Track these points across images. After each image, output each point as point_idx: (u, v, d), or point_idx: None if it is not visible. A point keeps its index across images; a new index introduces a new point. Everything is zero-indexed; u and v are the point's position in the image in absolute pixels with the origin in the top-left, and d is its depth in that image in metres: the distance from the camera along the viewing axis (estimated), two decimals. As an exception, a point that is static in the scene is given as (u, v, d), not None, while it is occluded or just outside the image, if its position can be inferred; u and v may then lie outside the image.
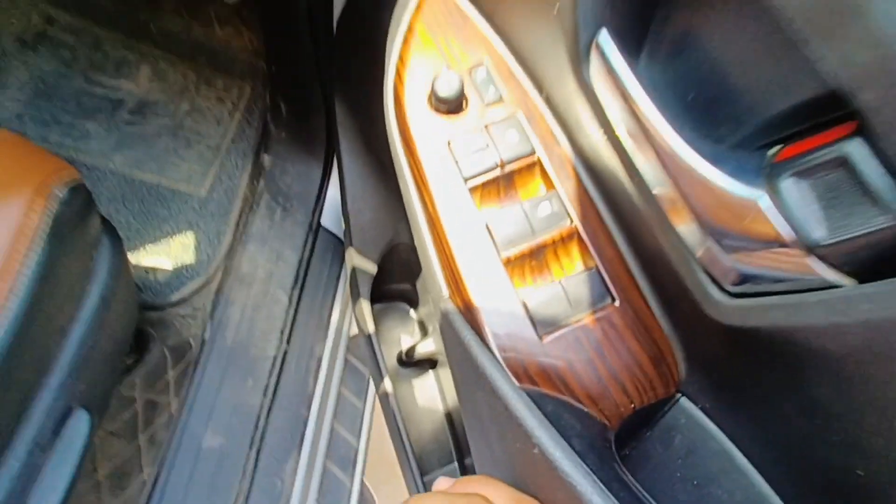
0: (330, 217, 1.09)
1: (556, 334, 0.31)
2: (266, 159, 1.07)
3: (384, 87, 0.41)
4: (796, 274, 0.20)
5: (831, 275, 0.18)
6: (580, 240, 0.32)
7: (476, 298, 0.31)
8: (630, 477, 0.27)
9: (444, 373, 0.87)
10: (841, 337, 0.18)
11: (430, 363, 0.90)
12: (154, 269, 0.91)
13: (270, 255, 0.99)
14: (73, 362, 0.53)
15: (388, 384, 0.79)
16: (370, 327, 0.81)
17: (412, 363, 0.88)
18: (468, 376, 0.31)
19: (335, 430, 1.04)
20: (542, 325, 0.31)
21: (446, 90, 0.32)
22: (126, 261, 0.62)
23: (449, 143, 0.36)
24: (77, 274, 0.53)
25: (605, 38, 0.25)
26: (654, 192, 0.25)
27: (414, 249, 0.77)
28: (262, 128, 1.08)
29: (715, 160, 0.21)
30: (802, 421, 0.22)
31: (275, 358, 0.93)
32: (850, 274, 0.18)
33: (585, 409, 0.29)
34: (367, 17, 0.56)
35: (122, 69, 1.04)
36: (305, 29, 0.83)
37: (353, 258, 0.80)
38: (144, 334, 0.85)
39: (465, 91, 0.38)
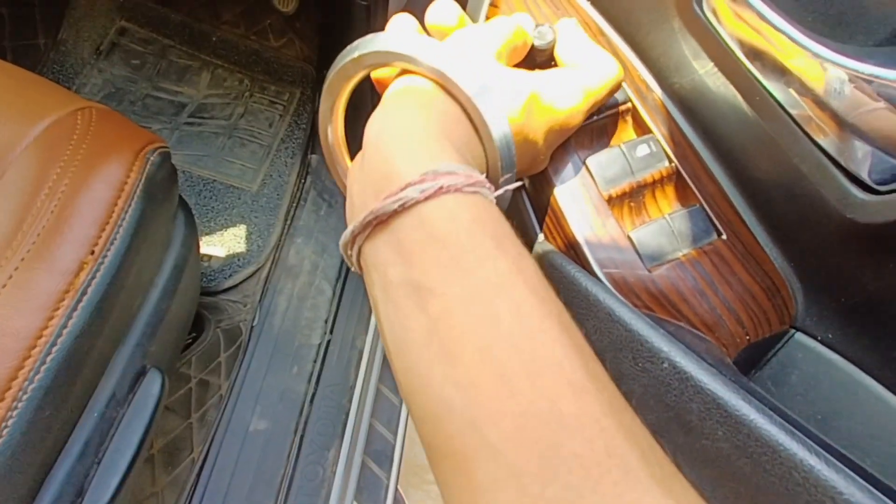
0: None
1: (665, 267, 0.30)
2: (313, 159, 1.12)
3: None
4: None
5: None
6: (680, 179, 0.33)
7: (579, 235, 0.31)
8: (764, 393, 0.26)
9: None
10: None
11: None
12: (209, 257, 0.95)
13: (316, 248, 1.03)
14: (149, 323, 0.56)
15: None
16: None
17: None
18: (576, 314, 0.31)
19: (373, 426, 1.04)
20: (649, 259, 0.31)
21: (540, 41, 0.34)
22: (197, 236, 0.66)
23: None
24: (159, 239, 0.56)
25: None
26: (791, 111, 0.25)
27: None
28: (310, 129, 1.14)
29: (863, 57, 0.22)
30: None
31: (319, 346, 0.95)
32: None
33: (704, 335, 0.29)
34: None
35: (184, 76, 1.11)
36: (362, 32, 0.88)
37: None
38: (201, 316, 0.88)
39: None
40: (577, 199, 0.33)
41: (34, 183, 0.44)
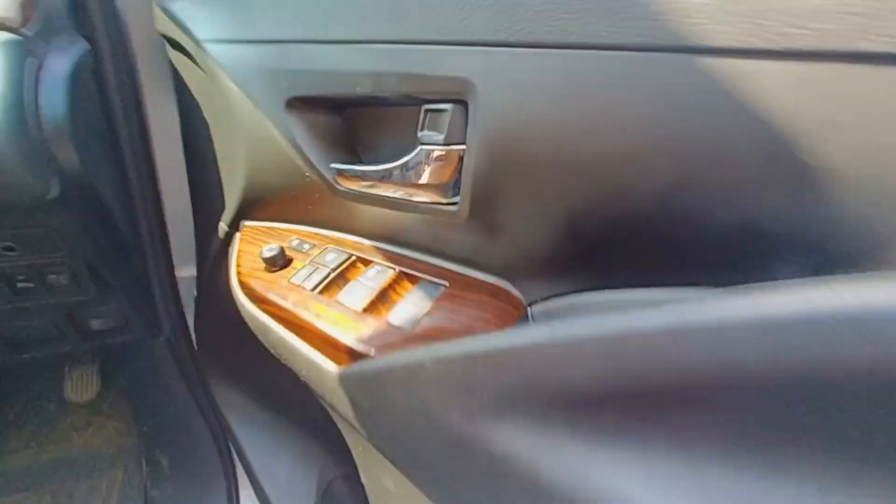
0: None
1: (423, 321, 0.37)
2: (156, 531, 0.90)
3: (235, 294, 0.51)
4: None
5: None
6: (404, 275, 0.44)
7: (359, 344, 0.37)
8: None
9: None
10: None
11: None
12: None
13: None
14: None
15: None
16: None
17: None
18: (411, 414, 0.34)
19: None
20: (412, 323, 0.38)
21: (268, 252, 0.46)
22: None
23: (291, 280, 0.47)
24: None
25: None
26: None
27: (348, 478, 0.69)
28: (143, 501, 0.95)
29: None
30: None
31: None
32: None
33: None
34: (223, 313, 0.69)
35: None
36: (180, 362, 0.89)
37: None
38: None
39: (288, 254, 0.51)
40: (341, 325, 0.39)
41: None
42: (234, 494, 0.94)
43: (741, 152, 0.25)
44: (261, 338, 0.54)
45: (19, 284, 0.63)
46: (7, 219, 0.55)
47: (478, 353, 0.28)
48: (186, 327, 0.89)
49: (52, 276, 0.63)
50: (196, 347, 0.89)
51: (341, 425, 0.63)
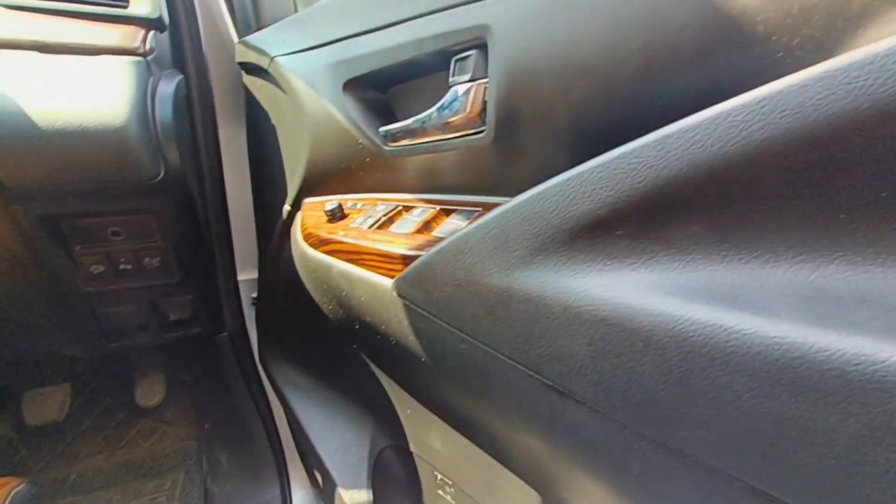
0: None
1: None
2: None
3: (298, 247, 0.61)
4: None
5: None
6: (444, 211, 0.52)
7: (410, 250, 0.44)
8: None
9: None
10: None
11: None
12: None
13: None
14: None
15: None
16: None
17: None
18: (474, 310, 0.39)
19: None
20: (452, 234, 0.45)
21: (330, 206, 0.55)
22: None
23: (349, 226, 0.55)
24: None
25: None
26: None
27: (398, 448, 0.73)
28: (203, 497, 1.00)
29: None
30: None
31: None
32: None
33: None
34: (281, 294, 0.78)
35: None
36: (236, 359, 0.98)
37: (343, 497, 0.70)
38: None
39: (346, 211, 0.60)
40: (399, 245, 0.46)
41: None
42: (286, 488, 0.98)
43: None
44: (321, 287, 0.62)
45: (121, 267, 0.75)
46: (121, 201, 0.68)
47: (509, 209, 0.35)
48: (245, 325, 0.99)
49: (147, 259, 0.74)
50: (255, 344, 0.98)
51: (391, 390, 0.69)
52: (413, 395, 0.64)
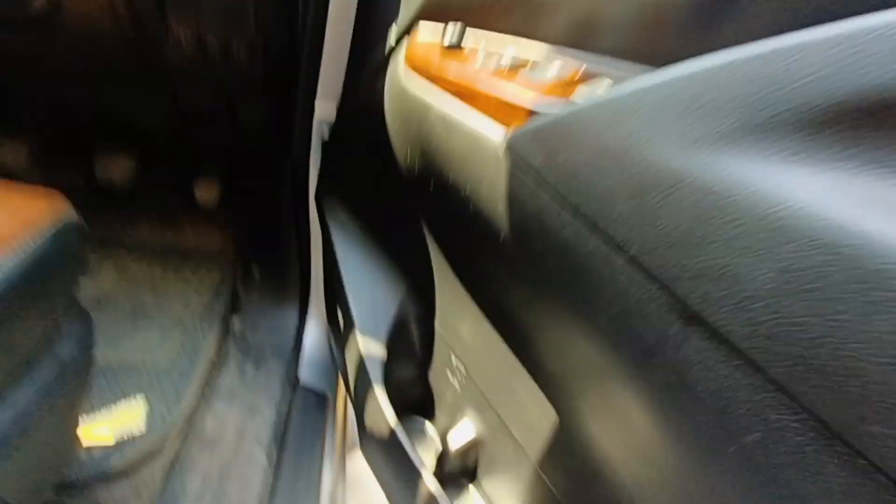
0: (308, 372, 0.98)
1: None
2: (235, 322, 1.01)
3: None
4: None
5: None
6: (588, 73, 0.41)
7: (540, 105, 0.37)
8: None
9: (488, 479, 0.67)
10: None
11: (469, 475, 0.69)
12: (89, 438, 0.69)
13: (242, 410, 0.82)
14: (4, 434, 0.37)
15: (435, 489, 0.58)
16: (391, 419, 0.65)
17: (453, 475, 0.67)
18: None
19: None
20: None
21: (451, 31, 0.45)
22: (92, 351, 0.51)
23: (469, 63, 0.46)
24: (33, 331, 0.42)
25: None
26: None
27: (424, 323, 0.72)
28: (231, 298, 1.06)
29: None
30: None
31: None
32: None
33: None
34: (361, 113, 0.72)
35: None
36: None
37: (359, 343, 0.71)
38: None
39: (469, 45, 0.51)
40: None
41: None
42: (304, 316, 1.02)
43: None
44: (408, 131, 0.56)
45: (209, 47, 0.70)
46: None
47: (708, 69, 0.26)
48: (309, 153, 0.96)
49: (234, 46, 0.70)
50: (315, 175, 0.96)
51: (438, 262, 0.66)
52: (460, 274, 0.60)
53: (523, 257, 0.42)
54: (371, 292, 0.76)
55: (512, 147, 0.39)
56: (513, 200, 0.40)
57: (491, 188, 0.42)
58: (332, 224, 0.82)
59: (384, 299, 0.76)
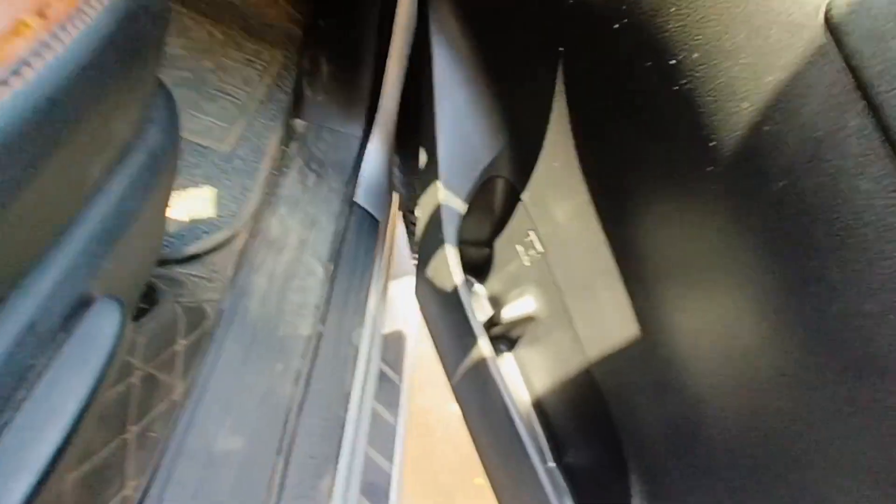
0: (365, 193, 0.96)
1: None
2: (298, 124, 0.95)
3: None
4: None
5: None
6: None
7: None
8: None
9: (529, 352, 0.71)
10: None
11: (509, 342, 0.74)
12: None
13: (304, 220, 0.83)
14: (104, 229, 0.35)
15: (486, 348, 0.61)
16: (457, 278, 0.65)
17: (501, 336, 0.71)
18: None
19: (367, 453, 0.81)
20: None
21: None
22: (178, 134, 0.46)
23: None
24: (127, 114, 0.36)
25: None
26: None
27: (512, 191, 0.65)
28: (295, 93, 0.97)
29: None
30: None
31: (308, 339, 0.73)
32: None
33: None
34: None
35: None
36: None
37: (440, 193, 0.67)
38: (152, 288, 0.63)
39: None
40: None
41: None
42: (368, 133, 0.95)
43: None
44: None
45: None
46: None
47: None
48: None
49: None
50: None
51: (557, 128, 0.55)
52: (586, 152, 0.50)
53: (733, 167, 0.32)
54: (464, 142, 0.68)
55: (833, 15, 0.25)
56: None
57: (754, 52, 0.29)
58: (435, 36, 0.67)
59: (474, 151, 0.68)
